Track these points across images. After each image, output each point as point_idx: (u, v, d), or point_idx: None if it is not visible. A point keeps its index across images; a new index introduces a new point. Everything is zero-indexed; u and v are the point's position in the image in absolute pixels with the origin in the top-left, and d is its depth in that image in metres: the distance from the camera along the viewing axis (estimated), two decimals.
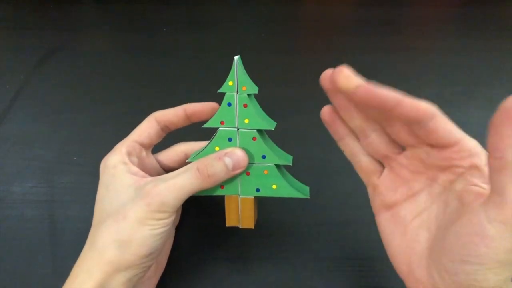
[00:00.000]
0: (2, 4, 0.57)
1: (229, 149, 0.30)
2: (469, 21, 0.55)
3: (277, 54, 0.52)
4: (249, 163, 0.31)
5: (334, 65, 0.24)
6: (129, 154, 0.31)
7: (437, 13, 0.57)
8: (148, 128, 0.33)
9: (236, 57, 0.29)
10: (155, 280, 0.34)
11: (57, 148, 0.44)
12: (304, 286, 0.36)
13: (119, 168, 0.30)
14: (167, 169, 0.35)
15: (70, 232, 0.38)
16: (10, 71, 0.50)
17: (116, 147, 0.32)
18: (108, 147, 0.33)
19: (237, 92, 0.30)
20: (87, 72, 0.50)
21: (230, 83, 0.29)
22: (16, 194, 0.41)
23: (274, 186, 0.31)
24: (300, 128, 0.44)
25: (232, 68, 0.29)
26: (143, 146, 0.33)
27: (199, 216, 0.37)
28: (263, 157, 0.31)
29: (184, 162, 0.34)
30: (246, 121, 0.30)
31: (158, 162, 0.35)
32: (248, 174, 0.31)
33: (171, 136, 0.36)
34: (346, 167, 0.42)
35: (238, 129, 0.30)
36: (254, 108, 0.30)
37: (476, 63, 0.50)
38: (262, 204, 0.35)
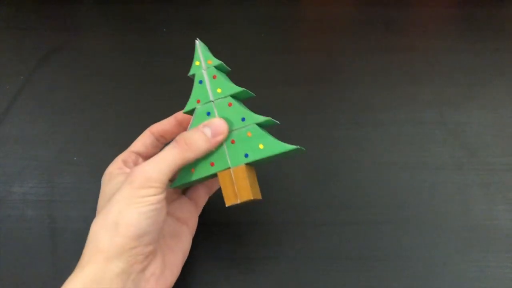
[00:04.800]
0: (2, 4, 0.57)
1: (206, 121, 0.31)
2: (469, 21, 0.55)
3: (277, 54, 0.52)
4: (231, 130, 0.31)
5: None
6: (125, 162, 0.33)
7: (437, 13, 0.57)
8: (142, 138, 0.35)
9: (197, 41, 0.32)
10: (163, 280, 0.31)
11: (57, 148, 0.44)
12: (306, 287, 0.36)
13: (114, 173, 0.32)
14: None
15: (70, 232, 0.38)
16: (10, 71, 0.50)
17: (114, 159, 0.34)
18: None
19: (204, 68, 0.32)
20: (87, 72, 0.50)
21: (197, 63, 0.32)
22: (16, 194, 0.41)
23: (261, 146, 0.31)
24: (300, 127, 0.44)
25: (196, 50, 0.31)
26: (139, 155, 0.35)
27: (200, 215, 0.37)
28: (243, 119, 0.31)
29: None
30: (219, 90, 0.31)
31: None
32: (233, 142, 0.31)
33: None
34: (347, 167, 0.42)
35: (213, 101, 0.32)
36: (223, 77, 0.32)
37: (476, 63, 0.50)
38: (263, 201, 0.35)
